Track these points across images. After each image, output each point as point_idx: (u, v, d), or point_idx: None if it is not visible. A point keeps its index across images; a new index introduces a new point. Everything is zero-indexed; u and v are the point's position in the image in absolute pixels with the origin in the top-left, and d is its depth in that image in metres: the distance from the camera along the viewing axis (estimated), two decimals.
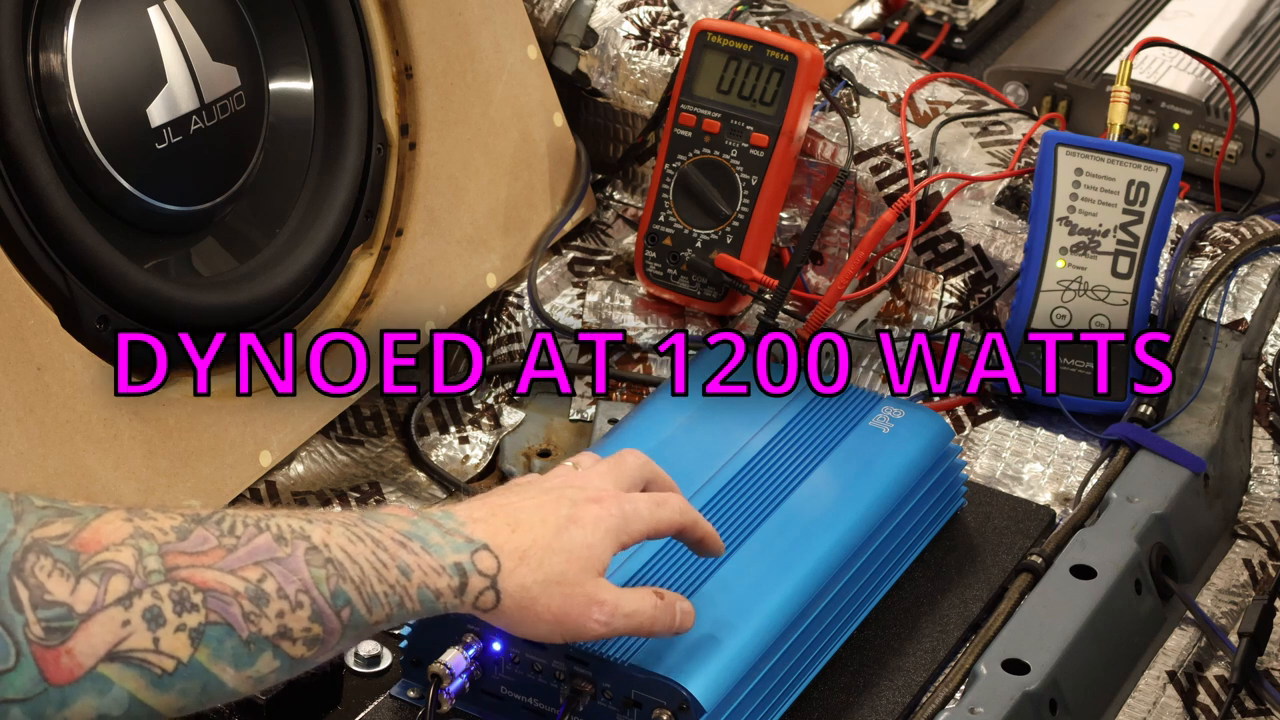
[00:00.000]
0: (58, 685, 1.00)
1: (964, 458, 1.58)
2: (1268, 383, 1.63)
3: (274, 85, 1.58)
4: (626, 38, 1.85)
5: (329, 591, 1.08)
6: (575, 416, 1.67)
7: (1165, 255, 1.66)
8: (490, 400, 1.68)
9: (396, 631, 1.35)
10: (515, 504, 1.20)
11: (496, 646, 1.30)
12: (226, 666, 1.04)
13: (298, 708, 1.34)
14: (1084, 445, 1.63)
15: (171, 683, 1.02)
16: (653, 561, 1.33)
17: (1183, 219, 1.69)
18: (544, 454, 1.63)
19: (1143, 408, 1.59)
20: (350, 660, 1.39)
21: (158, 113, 1.47)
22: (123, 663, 1.01)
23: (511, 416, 1.66)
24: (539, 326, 1.73)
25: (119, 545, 1.03)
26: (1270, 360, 1.63)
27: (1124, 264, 1.64)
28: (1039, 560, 1.46)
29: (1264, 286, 1.64)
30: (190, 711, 1.05)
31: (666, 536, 1.26)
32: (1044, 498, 1.59)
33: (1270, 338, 1.64)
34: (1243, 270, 1.65)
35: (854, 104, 1.78)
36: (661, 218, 1.74)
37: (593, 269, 1.80)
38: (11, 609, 0.99)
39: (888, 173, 1.75)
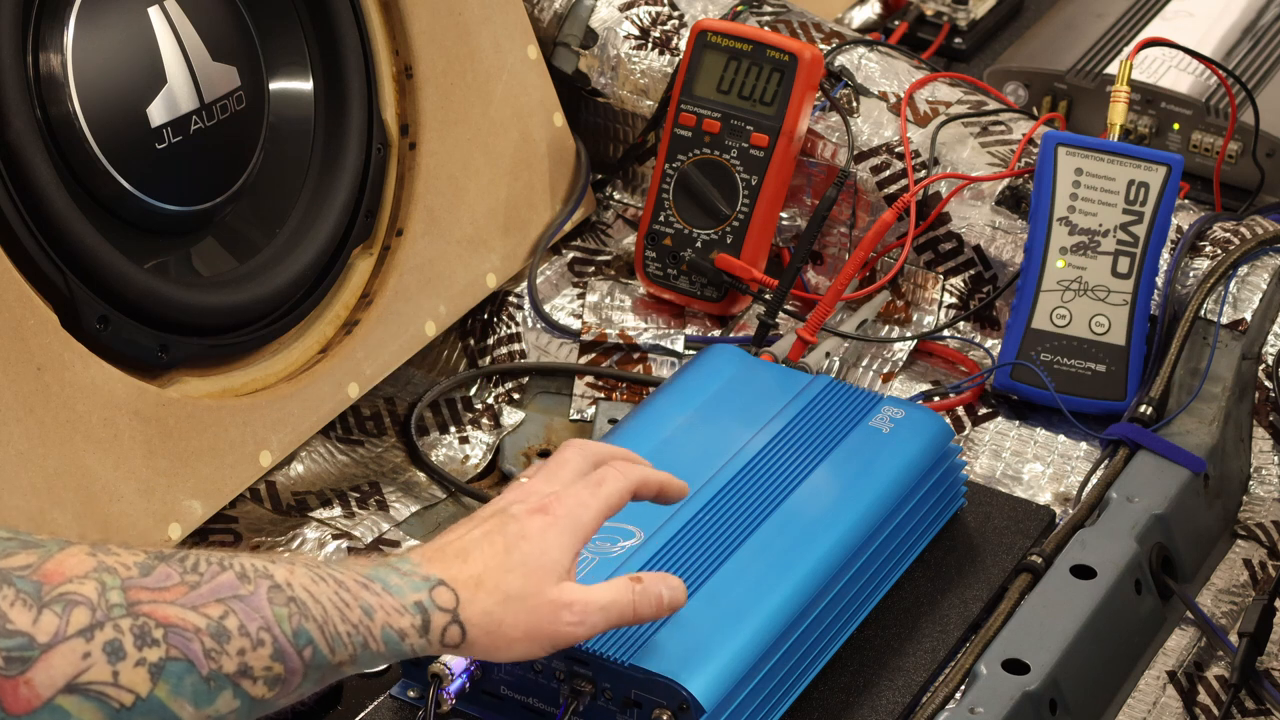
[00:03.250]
0: (14, 715, 0.99)
1: (964, 458, 1.58)
2: (1268, 383, 1.63)
3: (274, 85, 1.58)
4: (626, 38, 1.85)
5: (291, 630, 1.07)
6: (575, 416, 1.67)
7: (1165, 255, 1.66)
8: (490, 400, 1.68)
9: None
10: (463, 535, 1.19)
11: None
12: (186, 704, 1.03)
13: (297, 708, 1.34)
14: (1084, 445, 1.63)
15: (129, 717, 1.01)
16: (650, 564, 1.33)
17: (1183, 219, 1.69)
18: (544, 454, 1.63)
19: (1143, 408, 1.59)
20: None
21: (158, 113, 1.47)
22: (81, 695, 1.00)
23: (511, 416, 1.66)
24: (540, 326, 1.73)
25: (82, 578, 1.01)
26: (1270, 360, 1.63)
27: (1124, 264, 1.64)
28: (1039, 560, 1.46)
29: (1264, 286, 1.64)
30: None
31: (623, 507, 1.24)
32: (1044, 498, 1.59)
33: (1270, 338, 1.64)
34: (1243, 270, 1.65)
35: (854, 104, 1.78)
36: (661, 218, 1.74)
37: (593, 269, 1.80)
38: None
39: (888, 173, 1.75)
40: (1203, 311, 1.64)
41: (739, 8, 1.84)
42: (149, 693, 1.02)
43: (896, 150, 1.75)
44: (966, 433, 1.65)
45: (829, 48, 1.81)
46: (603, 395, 1.68)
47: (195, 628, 1.04)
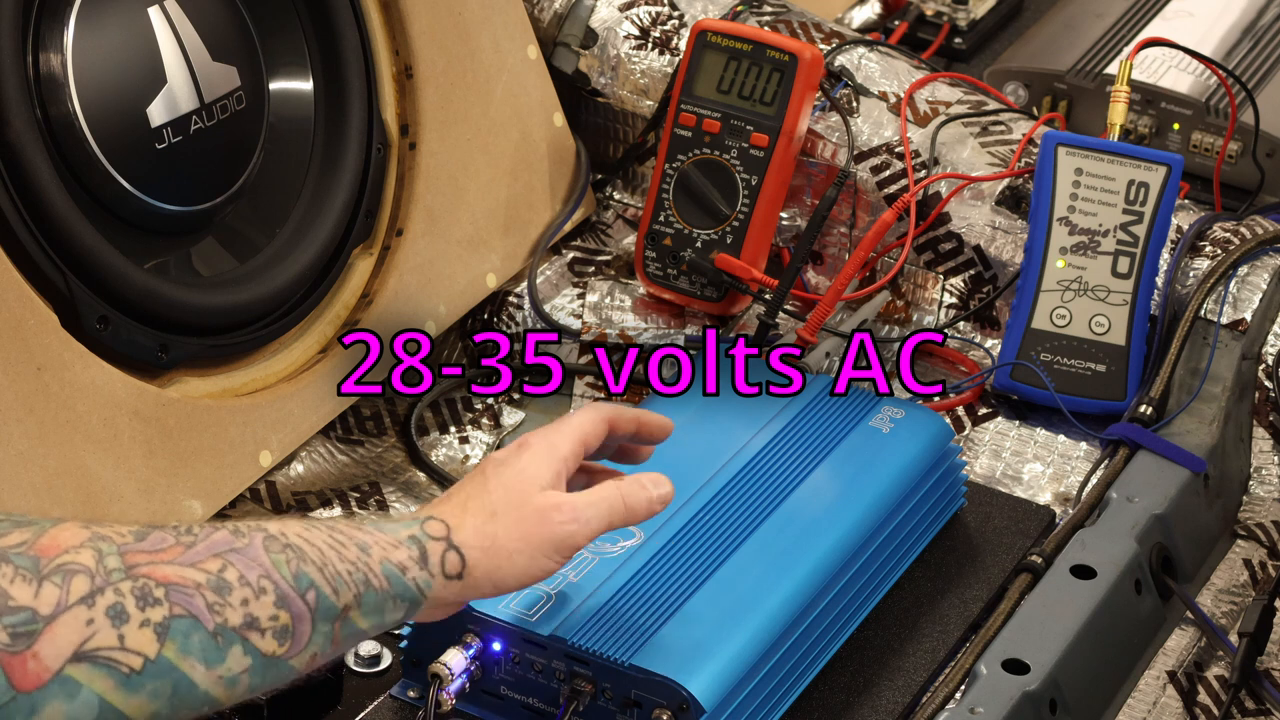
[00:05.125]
0: (26, 692, 0.98)
1: (964, 458, 1.58)
2: (1268, 383, 1.63)
3: (274, 85, 1.58)
4: (626, 38, 1.85)
5: (291, 574, 1.07)
6: None
7: (1165, 255, 1.66)
8: (490, 400, 1.68)
9: (396, 631, 1.35)
10: (445, 491, 1.23)
11: (496, 646, 1.30)
12: (196, 663, 1.03)
13: (298, 708, 1.34)
14: (1084, 445, 1.63)
15: (141, 682, 1.01)
16: (650, 564, 1.33)
17: (1183, 219, 1.69)
18: None
19: (1143, 408, 1.60)
20: (350, 660, 1.39)
21: (158, 113, 1.47)
22: (90, 663, 1.00)
23: (511, 416, 1.66)
24: (539, 326, 1.73)
25: (78, 548, 1.02)
26: (1270, 360, 1.63)
27: (1124, 264, 1.64)
28: (1039, 560, 1.46)
29: (1264, 286, 1.64)
30: (164, 718, 1.04)
31: (598, 435, 1.26)
32: (1044, 498, 1.59)
33: (1270, 338, 1.64)
34: (1243, 270, 1.65)
35: (854, 104, 1.78)
36: (661, 218, 1.74)
37: (593, 269, 1.80)
38: None
39: (888, 173, 1.75)
40: (1203, 311, 1.64)
41: (739, 8, 1.84)
42: (157, 654, 1.02)
43: (896, 150, 1.75)
44: (966, 433, 1.65)
45: (829, 48, 1.81)
46: (602, 395, 1.68)
47: (196, 583, 1.04)
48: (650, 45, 1.85)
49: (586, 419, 1.26)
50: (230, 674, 1.05)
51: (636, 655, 1.27)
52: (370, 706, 1.36)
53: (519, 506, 1.19)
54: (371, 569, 1.12)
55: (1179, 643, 1.48)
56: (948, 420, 1.60)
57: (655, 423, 1.31)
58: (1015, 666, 1.36)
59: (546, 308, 1.75)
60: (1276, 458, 1.62)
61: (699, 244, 1.73)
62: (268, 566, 1.07)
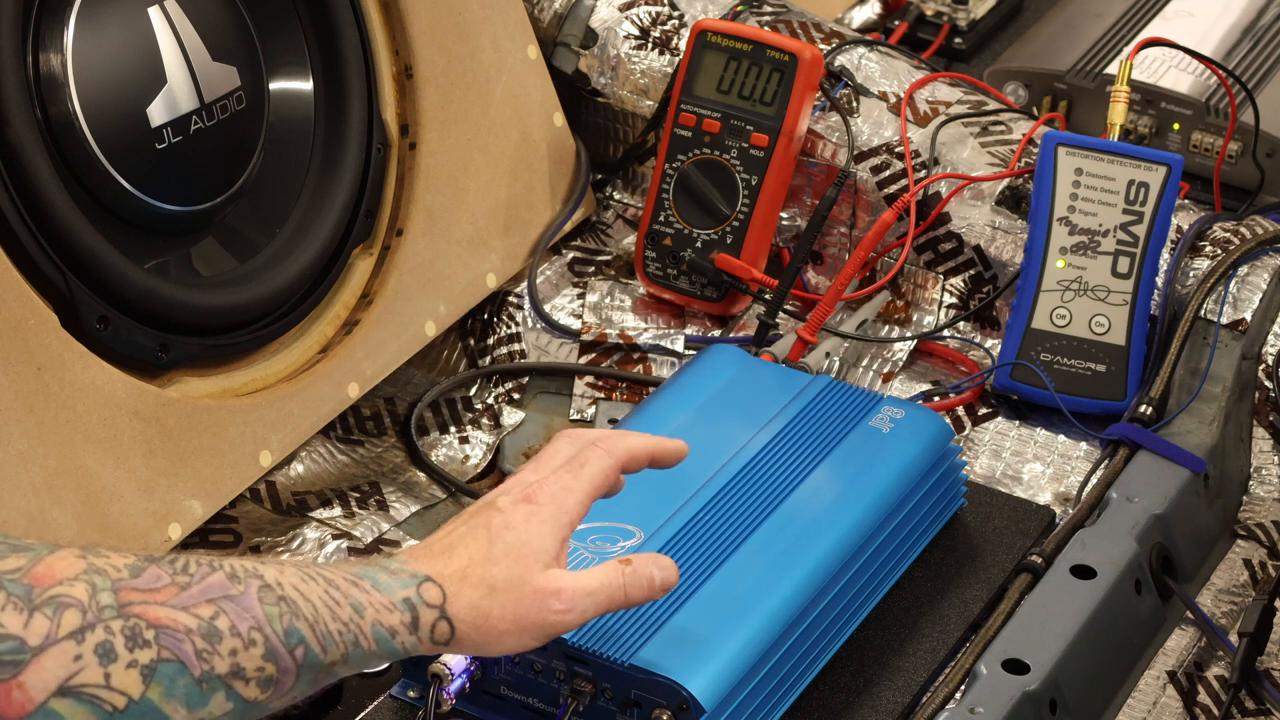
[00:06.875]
0: None
1: (964, 458, 1.58)
2: (1268, 383, 1.63)
3: (274, 85, 1.58)
4: (626, 38, 1.85)
5: (282, 629, 1.07)
6: (575, 416, 1.67)
7: (1165, 255, 1.66)
8: (490, 400, 1.68)
9: None
10: (450, 531, 1.19)
11: None
12: (179, 706, 1.03)
13: (297, 708, 1.34)
14: (1084, 445, 1.63)
15: None
16: None
17: (1183, 219, 1.69)
18: None
19: (1143, 408, 1.60)
20: None
21: (158, 113, 1.47)
22: (74, 698, 1.00)
23: (511, 416, 1.66)
24: (539, 326, 1.73)
25: (72, 580, 1.01)
26: (1270, 360, 1.63)
27: (1124, 264, 1.64)
28: (1039, 560, 1.46)
29: (1264, 286, 1.64)
30: None
31: (611, 484, 1.23)
32: (1044, 498, 1.59)
33: (1270, 338, 1.64)
34: (1243, 270, 1.65)
35: (854, 104, 1.78)
36: (661, 218, 1.74)
37: (593, 269, 1.80)
38: None
39: (888, 173, 1.75)
40: (1203, 311, 1.64)
41: (739, 8, 1.84)
42: (141, 695, 1.01)
43: (896, 150, 1.75)
44: (966, 433, 1.65)
45: (829, 48, 1.81)
46: (603, 395, 1.68)
47: (186, 628, 1.03)
48: (650, 45, 1.85)
49: (599, 471, 1.22)
50: (210, 716, 1.05)
51: (636, 655, 1.27)
52: (370, 706, 1.36)
53: (519, 586, 1.16)
54: (362, 630, 1.11)
55: (1179, 643, 1.48)
56: (948, 420, 1.60)
57: (670, 450, 1.27)
58: (1015, 666, 1.36)
59: (546, 308, 1.75)
60: (1276, 458, 1.62)
61: (699, 244, 1.73)
62: (260, 619, 1.06)
